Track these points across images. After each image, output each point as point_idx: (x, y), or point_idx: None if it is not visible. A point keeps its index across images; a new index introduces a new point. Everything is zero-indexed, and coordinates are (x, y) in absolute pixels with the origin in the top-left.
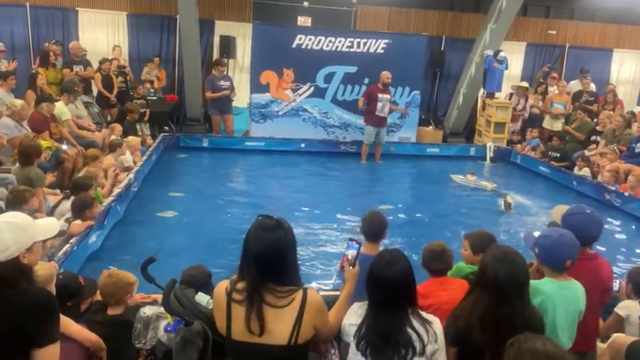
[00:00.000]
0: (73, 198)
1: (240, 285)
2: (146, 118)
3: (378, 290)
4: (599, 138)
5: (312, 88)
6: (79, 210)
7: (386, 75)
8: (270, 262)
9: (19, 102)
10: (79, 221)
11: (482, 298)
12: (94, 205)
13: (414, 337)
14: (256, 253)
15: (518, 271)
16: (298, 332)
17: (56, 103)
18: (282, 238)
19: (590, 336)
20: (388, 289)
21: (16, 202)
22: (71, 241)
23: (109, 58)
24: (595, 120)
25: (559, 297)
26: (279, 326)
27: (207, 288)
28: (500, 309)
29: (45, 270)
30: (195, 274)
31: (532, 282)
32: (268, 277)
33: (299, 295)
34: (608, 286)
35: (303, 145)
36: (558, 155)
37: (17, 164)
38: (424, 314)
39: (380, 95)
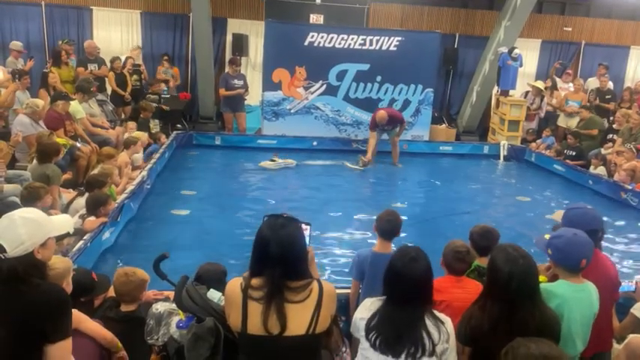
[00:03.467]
0: (87, 195)
1: (255, 282)
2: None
3: (398, 286)
4: (615, 136)
5: (325, 86)
6: (94, 207)
7: (380, 117)
8: (291, 258)
9: (40, 102)
10: (93, 218)
11: (494, 303)
12: (108, 202)
13: (425, 336)
14: (278, 253)
15: (530, 270)
16: (317, 322)
17: (71, 102)
18: (296, 233)
19: (606, 336)
20: (410, 285)
21: (30, 198)
22: (85, 237)
23: (121, 57)
24: (612, 118)
25: (574, 300)
26: (299, 319)
27: (221, 285)
28: (514, 315)
29: (62, 263)
30: (210, 270)
31: (546, 285)
32: (289, 274)
33: (315, 286)
34: (617, 281)
35: (315, 143)
36: (574, 153)
37: (34, 161)
38: (437, 313)
39: (382, 126)
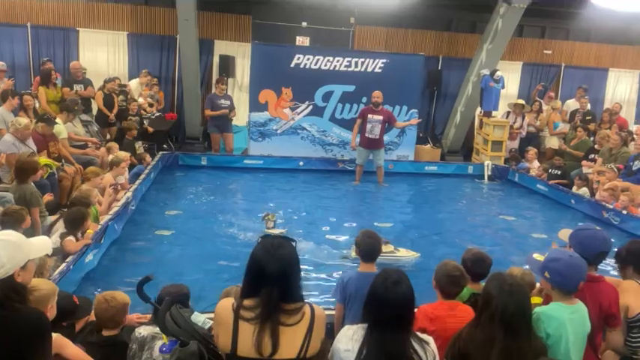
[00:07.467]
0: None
1: (248, 302)
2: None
3: (382, 311)
4: (596, 156)
5: (311, 107)
6: (72, 225)
7: (374, 94)
8: (288, 278)
9: (23, 120)
10: (72, 238)
11: (490, 333)
12: (86, 218)
13: (416, 358)
14: (276, 273)
15: (525, 302)
16: (308, 346)
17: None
18: (293, 254)
19: None
20: (394, 309)
21: (10, 221)
22: (67, 260)
23: (112, 77)
24: (592, 138)
25: (570, 322)
26: (291, 342)
27: (185, 306)
28: (511, 344)
29: (46, 285)
30: (172, 292)
31: (543, 309)
32: (285, 296)
33: (308, 309)
34: (609, 312)
35: (301, 164)
36: (559, 173)
37: (14, 182)
38: (419, 334)
39: (370, 116)
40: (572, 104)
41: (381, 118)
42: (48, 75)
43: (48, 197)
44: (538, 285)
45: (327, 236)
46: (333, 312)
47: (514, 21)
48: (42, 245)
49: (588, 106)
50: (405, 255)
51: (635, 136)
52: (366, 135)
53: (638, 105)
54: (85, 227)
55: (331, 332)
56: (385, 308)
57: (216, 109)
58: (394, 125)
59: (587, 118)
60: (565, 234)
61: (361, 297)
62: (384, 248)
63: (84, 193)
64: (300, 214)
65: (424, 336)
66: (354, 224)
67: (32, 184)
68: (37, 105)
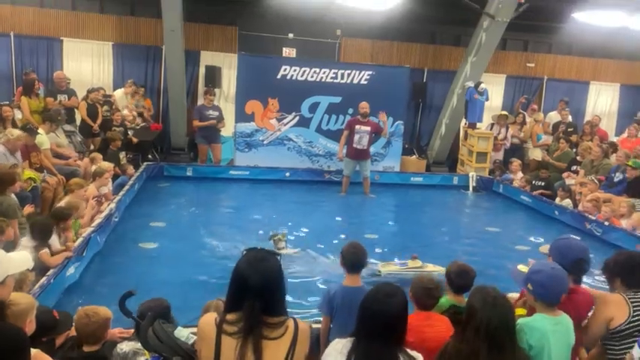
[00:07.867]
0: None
1: (231, 317)
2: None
3: (373, 323)
4: (578, 168)
5: (297, 118)
6: (42, 236)
7: (361, 105)
8: (271, 292)
9: (15, 131)
10: (46, 250)
11: (475, 347)
12: (53, 225)
13: None
14: (259, 286)
15: (508, 314)
16: None
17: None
18: (277, 266)
19: None
20: (387, 323)
21: None
22: (48, 273)
23: (96, 87)
24: (575, 150)
25: (553, 334)
26: (274, 357)
27: (167, 320)
28: (495, 358)
29: (25, 299)
30: (152, 307)
31: (526, 320)
32: (268, 309)
33: (291, 323)
34: (584, 318)
35: (287, 174)
36: (543, 184)
37: None
38: (409, 351)
39: (357, 127)
40: (554, 116)
41: (368, 129)
42: (31, 85)
43: (29, 209)
44: (516, 295)
45: (312, 246)
46: (319, 325)
47: (497, 35)
48: (22, 260)
49: (569, 118)
50: (433, 270)
51: (618, 148)
52: (354, 146)
53: (619, 117)
54: (67, 232)
55: (317, 345)
56: (375, 320)
57: (204, 119)
58: (382, 134)
59: (569, 130)
60: (546, 249)
61: (347, 310)
62: (412, 263)
63: (72, 204)
64: (286, 226)
65: (414, 353)
66: (342, 236)
67: (12, 195)
68: (18, 116)
